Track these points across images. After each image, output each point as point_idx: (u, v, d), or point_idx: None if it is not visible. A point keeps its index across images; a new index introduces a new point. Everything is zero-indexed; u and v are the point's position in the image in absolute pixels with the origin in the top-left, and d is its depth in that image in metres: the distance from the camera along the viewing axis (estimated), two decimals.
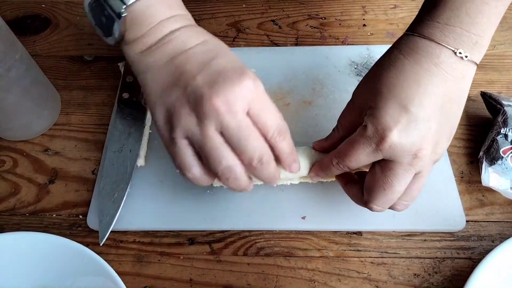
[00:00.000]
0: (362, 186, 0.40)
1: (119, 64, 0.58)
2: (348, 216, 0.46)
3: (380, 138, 0.35)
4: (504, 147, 0.47)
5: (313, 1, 0.67)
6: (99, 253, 0.41)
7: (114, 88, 0.58)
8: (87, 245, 0.42)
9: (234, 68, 0.36)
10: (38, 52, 0.63)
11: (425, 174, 0.37)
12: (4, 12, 0.67)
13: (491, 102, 0.51)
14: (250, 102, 0.35)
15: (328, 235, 0.47)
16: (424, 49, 0.36)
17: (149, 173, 0.50)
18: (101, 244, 0.45)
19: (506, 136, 0.48)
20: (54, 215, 0.49)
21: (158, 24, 0.37)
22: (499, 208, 0.48)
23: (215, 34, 0.63)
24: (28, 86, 0.49)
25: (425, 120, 0.35)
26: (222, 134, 0.36)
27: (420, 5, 0.40)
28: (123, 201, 0.47)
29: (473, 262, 0.44)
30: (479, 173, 0.48)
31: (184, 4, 0.41)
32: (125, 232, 0.47)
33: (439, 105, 0.36)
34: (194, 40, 0.38)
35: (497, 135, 0.48)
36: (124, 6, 0.36)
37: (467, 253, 0.45)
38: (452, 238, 0.46)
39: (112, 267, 0.40)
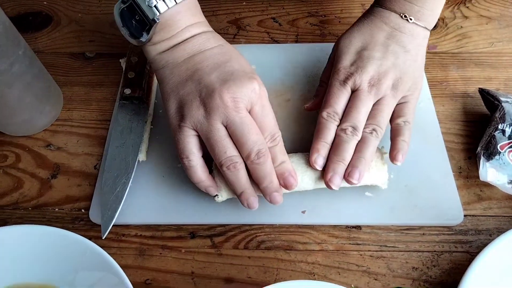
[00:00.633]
0: None
1: (120, 60, 0.59)
2: (348, 210, 0.47)
3: (346, 76, 0.46)
4: (501, 143, 0.48)
5: None
6: (101, 247, 0.41)
7: (115, 84, 0.59)
8: (89, 238, 0.43)
9: (244, 72, 0.42)
10: (40, 48, 0.63)
11: (384, 102, 0.45)
12: (6, 9, 0.67)
13: (489, 99, 0.52)
14: (253, 103, 0.41)
15: (327, 229, 0.47)
16: (377, 13, 0.48)
17: (151, 167, 0.51)
18: (103, 238, 0.46)
19: (503, 131, 0.48)
20: (56, 209, 0.49)
21: (184, 29, 0.42)
22: (496, 202, 0.48)
23: (216, 31, 0.64)
24: (30, 82, 0.50)
25: (375, 58, 0.46)
26: (226, 127, 0.40)
27: None
28: (125, 195, 0.47)
29: (471, 255, 0.45)
30: (477, 168, 0.48)
31: None
32: (127, 226, 0.48)
33: (389, 50, 0.46)
34: (212, 43, 0.43)
35: (495, 131, 0.48)
36: (158, 14, 0.40)
37: (465, 247, 0.46)
38: (450, 232, 0.47)
39: (114, 260, 0.41)
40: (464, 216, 0.47)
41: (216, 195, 0.45)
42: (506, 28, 0.63)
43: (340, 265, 0.45)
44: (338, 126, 0.45)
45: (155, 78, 0.56)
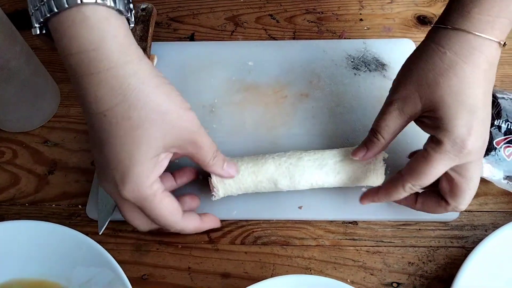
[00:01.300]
0: (434, 196, 0.41)
1: None
2: (344, 206, 0.47)
3: (459, 149, 0.36)
4: (497, 138, 0.48)
5: None
6: (98, 242, 0.41)
7: None
8: (86, 234, 0.43)
9: (116, 170, 0.35)
10: (37, 45, 0.63)
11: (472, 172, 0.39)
12: (3, 5, 0.67)
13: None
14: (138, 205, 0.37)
15: (324, 225, 0.47)
16: (478, 48, 0.35)
17: None
18: (100, 233, 0.46)
19: (499, 127, 0.48)
20: (53, 205, 0.49)
21: (88, 51, 0.32)
22: (492, 198, 0.48)
23: (213, 28, 0.64)
24: (27, 78, 0.50)
25: (488, 117, 0.37)
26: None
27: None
28: None
29: (467, 250, 0.45)
30: None
31: None
32: (124, 222, 0.47)
33: (487, 101, 0.37)
34: (108, 103, 0.33)
35: (491, 127, 0.49)
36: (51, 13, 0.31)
37: (461, 242, 0.46)
38: (446, 228, 0.47)
39: (111, 255, 0.41)
40: (460, 211, 0.47)
41: (213, 194, 0.45)
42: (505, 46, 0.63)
43: (337, 260, 0.45)
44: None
45: None
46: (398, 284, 0.44)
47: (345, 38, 0.62)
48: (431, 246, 0.46)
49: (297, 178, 0.44)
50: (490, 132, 0.48)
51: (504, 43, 0.36)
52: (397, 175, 0.40)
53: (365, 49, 0.59)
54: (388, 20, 0.64)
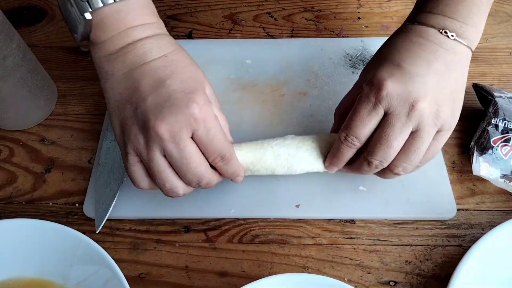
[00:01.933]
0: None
1: None
2: (342, 204, 0.47)
3: (376, 90, 0.37)
4: (494, 137, 0.48)
5: None
6: (95, 241, 0.41)
7: None
8: (83, 233, 0.43)
9: (184, 92, 0.37)
10: (34, 43, 0.63)
11: (424, 135, 0.38)
12: (0, 3, 0.67)
13: (483, 94, 0.52)
14: (195, 128, 0.37)
15: (321, 223, 0.47)
16: (412, 29, 0.40)
17: None
18: (97, 232, 0.46)
19: (496, 126, 0.48)
20: (50, 204, 0.49)
21: (123, 31, 0.37)
22: (489, 197, 0.49)
23: (211, 26, 0.64)
24: (24, 76, 0.49)
25: (418, 75, 0.37)
26: (166, 158, 0.38)
27: None
28: (119, 189, 0.47)
29: (464, 249, 0.45)
30: (470, 163, 0.49)
31: None
32: (121, 220, 0.48)
33: (432, 68, 0.38)
34: (155, 53, 0.38)
35: (488, 125, 0.49)
36: (90, 10, 0.36)
37: (458, 240, 0.46)
38: (443, 226, 0.47)
39: (108, 254, 0.41)
40: (457, 210, 0.47)
41: None
42: (501, 24, 0.63)
43: (334, 259, 0.45)
44: (360, 151, 0.41)
45: None
46: (395, 282, 0.44)
47: (343, 37, 0.62)
48: (428, 245, 0.46)
49: (295, 168, 0.44)
50: (487, 130, 0.49)
51: (450, 34, 0.39)
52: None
53: (363, 47, 0.59)
54: (386, 19, 0.64)
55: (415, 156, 0.38)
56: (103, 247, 0.41)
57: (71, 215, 0.49)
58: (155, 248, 0.46)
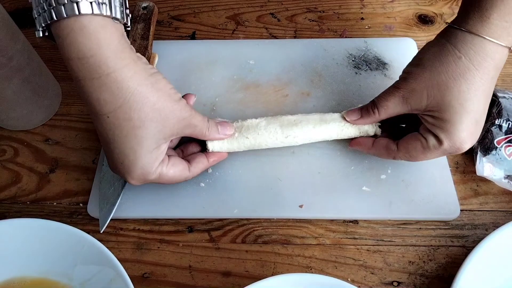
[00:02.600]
0: (386, 141, 0.45)
1: None
2: (345, 205, 0.47)
3: (456, 150, 0.40)
4: (498, 138, 0.48)
5: None
6: (99, 241, 0.41)
7: None
8: (87, 232, 0.43)
9: (122, 165, 0.39)
10: (38, 44, 0.63)
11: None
12: (4, 4, 0.67)
13: None
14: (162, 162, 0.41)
15: (325, 224, 0.47)
16: (491, 55, 0.37)
17: None
18: (101, 232, 0.46)
19: (500, 127, 0.48)
20: (55, 203, 0.50)
21: (93, 57, 0.34)
22: (493, 197, 0.48)
23: (215, 26, 0.64)
24: (29, 76, 0.50)
25: (484, 117, 0.40)
26: None
27: None
28: (123, 189, 0.47)
29: (467, 250, 0.45)
30: (474, 164, 0.49)
31: None
32: (125, 220, 0.48)
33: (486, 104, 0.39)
34: (110, 106, 0.36)
35: (492, 126, 0.49)
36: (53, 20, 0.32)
37: (461, 241, 0.46)
38: (447, 227, 0.47)
39: (112, 254, 0.41)
40: (461, 210, 0.47)
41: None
42: None
43: (337, 259, 0.45)
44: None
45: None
46: (399, 283, 0.44)
47: (346, 37, 0.62)
48: (431, 245, 0.46)
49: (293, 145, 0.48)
50: (491, 131, 0.48)
51: (511, 48, 0.37)
52: (392, 145, 0.44)
53: (366, 48, 0.59)
54: (389, 19, 0.64)
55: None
56: (107, 247, 0.41)
57: (75, 215, 0.49)
58: (158, 248, 0.46)
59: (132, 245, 0.47)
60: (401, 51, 0.58)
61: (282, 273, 0.44)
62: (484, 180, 0.49)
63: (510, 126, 0.48)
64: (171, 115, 0.39)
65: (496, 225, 0.46)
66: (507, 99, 0.50)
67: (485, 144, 0.48)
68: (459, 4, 0.65)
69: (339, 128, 0.47)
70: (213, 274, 0.45)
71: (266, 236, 0.47)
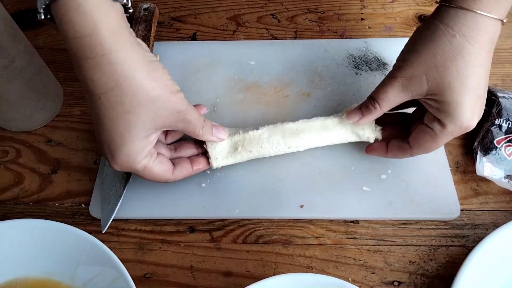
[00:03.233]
0: (400, 142, 0.45)
1: None
2: (346, 205, 0.47)
3: (463, 130, 0.40)
4: (498, 138, 0.48)
5: None
6: (101, 241, 0.42)
7: None
8: (89, 233, 0.43)
9: (109, 148, 0.38)
10: (40, 45, 0.64)
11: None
12: (6, 5, 0.67)
13: (487, 94, 0.52)
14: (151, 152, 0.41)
15: (325, 224, 0.47)
16: (484, 29, 0.36)
17: None
18: (103, 232, 0.46)
19: (500, 126, 0.48)
20: (57, 204, 0.50)
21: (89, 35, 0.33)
22: (493, 197, 0.49)
23: (215, 27, 0.64)
24: (31, 77, 0.50)
25: (486, 92, 0.39)
26: None
27: None
28: (125, 190, 0.48)
29: (467, 249, 0.45)
30: (474, 164, 0.49)
31: None
32: (126, 221, 0.48)
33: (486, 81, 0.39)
34: (102, 87, 0.35)
35: (492, 126, 0.49)
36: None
37: (462, 241, 0.46)
38: (447, 227, 0.47)
39: (114, 254, 0.41)
40: (461, 210, 0.47)
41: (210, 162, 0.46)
42: (505, 24, 0.63)
43: (338, 259, 0.46)
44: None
45: None
46: (399, 283, 0.44)
47: (346, 38, 0.63)
48: (432, 245, 0.46)
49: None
50: (491, 131, 0.49)
51: (503, 21, 0.37)
52: (405, 144, 0.44)
53: (367, 48, 0.59)
54: (389, 20, 0.64)
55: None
56: (109, 247, 0.41)
57: (77, 216, 0.49)
58: (160, 248, 0.47)
59: (134, 245, 0.47)
60: None
61: (283, 273, 0.44)
62: (484, 180, 0.49)
63: (510, 126, 0.48)
64: (165, 106, 0.38)
65: (496, 225, 0.46)
66: (507, 99, 0.50)
67: (485, 144, 0.48)
68: None
69: (341, 135, 0.47)
70: (214, 274, 0.45)
71: (267, 236, 0.47)
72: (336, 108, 0.54)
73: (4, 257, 0.43)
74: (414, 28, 0.63)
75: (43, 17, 0.35)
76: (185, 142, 0.47)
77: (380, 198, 0.48)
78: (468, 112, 0.38)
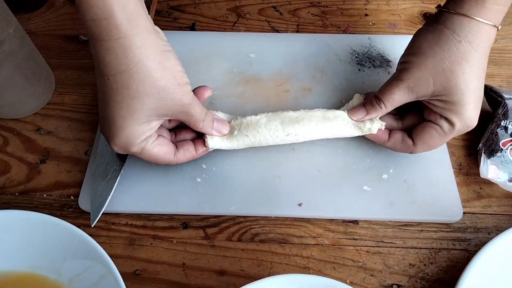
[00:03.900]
0: (402, 135, 0.45)
1: None
2: (345, 204, 0.46)
3: (467, 127, 0.42)
4: (503, 140, 0.47)
5: None
6: (90, 235, 0.40)
7: None
8: (78, 226, 0.41)
9: (109, 128, 0.39)
10: (32, 30, 0.61)
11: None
12: None
13: (492, 95, 0.51)
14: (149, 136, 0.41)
15: (324, 223, 0.46)
16: (486, 35, 0.39)
17: None
18: (92, 226, 0.45)
19: (506, 128, 0.47)
20: (44, 195, 0.48)
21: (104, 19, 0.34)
22: (496, 200, 0.47)
23: (215, 18, 0.62)
24: (21, 62, 0.48)
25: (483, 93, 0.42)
26: None
27: None
28: (116, 182, 0.46)
29: (469, 253, 0.44)
30: (477, 166, 0.47)
31: None
32: (117, 215, 0.46)
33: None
34: (112, 69, 0.36)
35: (497, 127, 0.47)
36: None
37: (463, 244, 0.45)
38: (449, 230, 0.46)
39: (103, 249, 0.39)
40: (463, 213, 0.46)
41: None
42: (510, 25, 0.62)
43: (336, 260, 0.44)
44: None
45: None
46: (399, 286, 0.43)
47: (349, 33, 0.61)
48: (432, 248, 0.45)
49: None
50: (496, 132, 0.47)
51: (498, 27, 0.40)
52: (408, 139, 0.45)
53: (370, 44, 0.58)
54: (393, 16, 0.63)
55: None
56: (98, 242, 0.39)
57: (66, 208, 0.47)
58: (151, 244, 0.45)
59: (124, 240, 0.45)
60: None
61: (278, 273, 0.43)
62: (487, 182, 0.48)
63: None
64: (170, 97, 0.38)
65: (498, 229, 0.45)
66: None
67: (490, 146, 0.47)
68: None
69: (342, 127, 0.46)
70: (207, 272, 0.43)
71: (263, 235, 0.45)
72: (338, 104, 0.53)
73: None
74: (419, 26, 0.62)
75: None
76: (184, 128, 0.46)
77: (380, 198, 0.46)
78: (473, 112, 0.41)
